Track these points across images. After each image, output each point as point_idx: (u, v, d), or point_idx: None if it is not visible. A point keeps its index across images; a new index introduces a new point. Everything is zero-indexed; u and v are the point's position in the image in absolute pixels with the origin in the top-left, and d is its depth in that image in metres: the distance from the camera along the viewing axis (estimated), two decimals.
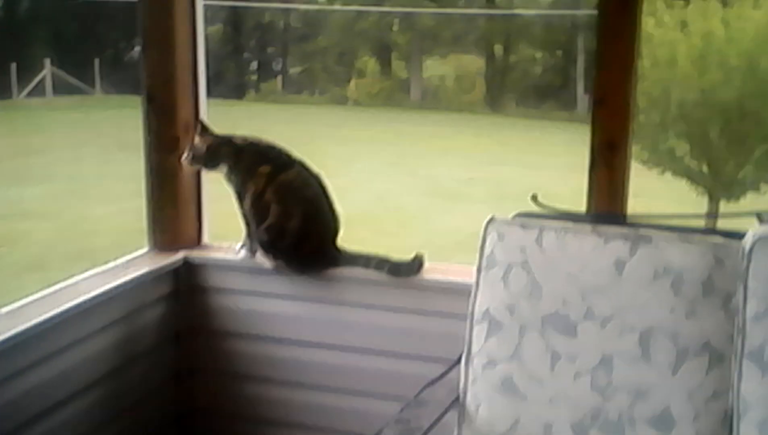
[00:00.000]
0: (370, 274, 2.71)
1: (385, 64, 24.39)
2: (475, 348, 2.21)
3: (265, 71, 25.71)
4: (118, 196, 11.02)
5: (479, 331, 2.20)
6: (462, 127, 19.18)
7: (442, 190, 13.00)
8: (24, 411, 2.36)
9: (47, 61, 20.88)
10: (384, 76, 24.04)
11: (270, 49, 26.22)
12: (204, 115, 2.96)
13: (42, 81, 21.10)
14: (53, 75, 21.16)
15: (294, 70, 25.73)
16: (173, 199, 2.94)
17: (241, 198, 2.78)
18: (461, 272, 2.59)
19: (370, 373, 2.79)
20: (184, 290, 2.95)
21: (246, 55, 25.82)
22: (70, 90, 21.38)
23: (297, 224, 2.72)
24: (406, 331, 2.73)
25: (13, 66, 19.99)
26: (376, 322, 2.77)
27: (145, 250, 2.95)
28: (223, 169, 2.77)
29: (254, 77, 25.45)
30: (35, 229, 10.70)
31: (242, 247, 2.87)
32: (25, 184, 12.58)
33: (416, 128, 18.69)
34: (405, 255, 2.68)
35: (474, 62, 23.87)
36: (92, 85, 22.36)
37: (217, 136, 2.79)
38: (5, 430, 2.31)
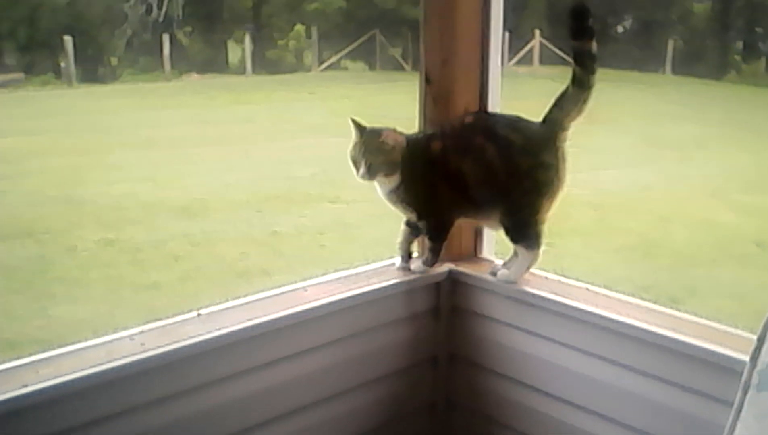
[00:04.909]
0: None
1: None
2: None
3: (750, 52, 23.18)
4: (575, 167, 10.55)
5: None
6: None
7: None
8: (245, 417, 2.01)
9: (537, 32, 21.06)
10: None
11: (758, 29, 23.55)
12: (495, 103, 2.29)
13: (531, 50, 21.34)
14: (541, 45, 21.29)
15: None
16: None
17: None
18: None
19: None
20: (445, 309, 2.33)
21: (731, 34, 23.51)
22: (554, 60, 21.33)
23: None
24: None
25: (507, 34, 20.45)
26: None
27: (414, 255, 2.38)
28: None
29: (737, 58, 23.06)
30: None
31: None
32: None
33: None
34: None
35: None
36: None
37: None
38: (234, 430, 2.00)
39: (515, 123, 2.14)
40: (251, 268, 6.87)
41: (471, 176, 2.10)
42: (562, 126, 2.06)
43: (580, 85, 2.03)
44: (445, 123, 2.21)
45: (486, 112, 2.28)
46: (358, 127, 2.12)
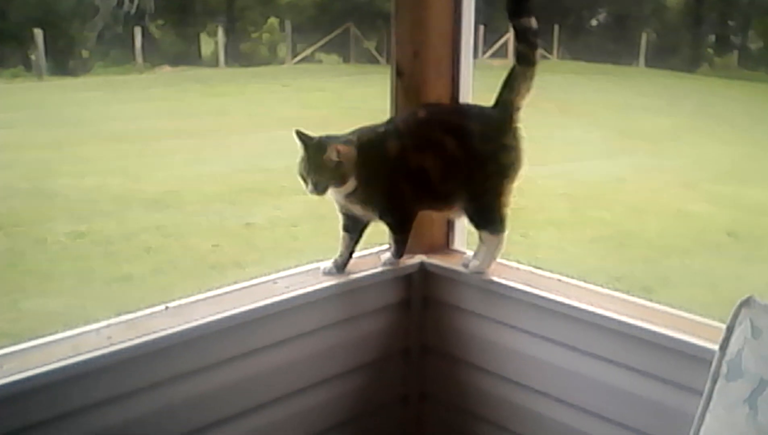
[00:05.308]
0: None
1: None
2: None
3: (723, 45, 23.37)
4: (549, 158, 10.63)
5: None
6: None
7: None
8: (214, 411, 1.99)
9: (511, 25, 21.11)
10: None
11: (730, 22, 23.76)
12: (466, 95, 2.28)
13: (505, 43, 21.36)
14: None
15: (754, 45, 23.04)
16: None
17: None
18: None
19: None
20: (417, 300, 2.33)
21: (704, 27, 23.70)
22: None
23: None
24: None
25: (482, 28, 20.43)
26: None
27: (384, 247, 2.37)
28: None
29: (710, 51, 23.26)
30: None
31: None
32: None
33: None
34: None
35: None
36: (549, 50, 22.21)
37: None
38: (204, 423, 1.97)
39: (468, 110, 2.16)
40: (224, 260, 6.82)
41: (434, 172, 2.09)
42: (515, 106, 2.06)
43: (526, 61, 2.04)
44: (396, 119, 2.18)
45: (436, 104, 2.25)
46: (303, 140, 2.04)
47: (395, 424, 2.40)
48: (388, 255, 2.24)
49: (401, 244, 2.21)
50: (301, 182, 2.05)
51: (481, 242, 2.18)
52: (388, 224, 2.19)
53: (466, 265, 2.21)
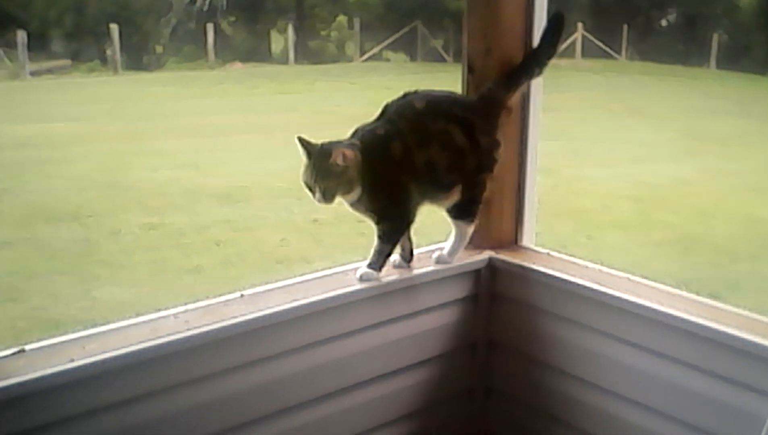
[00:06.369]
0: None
1: None
2: None
3: None
4: (615, 160, 10.49)
5: None
6: None
7: None
8: (286, 397, 2.03)
9: (580, 25, 20.85)
10: None
11: None
12: (537, 93, 2.28)
13: (573, 43, 21.12)
14: (583, 38, 21.08)
15: None
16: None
17: None
18: None
19: None
20: (485, 296, 2.33)
21: None
22: (597, 53, 21.18)
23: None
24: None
25: None
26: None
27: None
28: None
29: None
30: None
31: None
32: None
33: None
34: None
35: None
36: (618, 50, 21.92)
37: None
38: (275, 410, 2.02)
39: (466, 102, 2.17)
40: (291, 254, 6.90)
41: (441, 163, 2.06)
42: (505, 105, 2.14)
43: (532, 75, 2.19)
44: (389, 112, 2.06)
45: (426, 92, 2.13)
46: (307, 147, 1.97)
47: (461, 417, 2.41)
48: (365, 268, 2.13)
49: (387, 256, 2.12)
50: (308, 192, 1.99)
51: (457, 232, 2.19)
52: (383, 231, 2.09)
53: (437, 261, 2.22)
